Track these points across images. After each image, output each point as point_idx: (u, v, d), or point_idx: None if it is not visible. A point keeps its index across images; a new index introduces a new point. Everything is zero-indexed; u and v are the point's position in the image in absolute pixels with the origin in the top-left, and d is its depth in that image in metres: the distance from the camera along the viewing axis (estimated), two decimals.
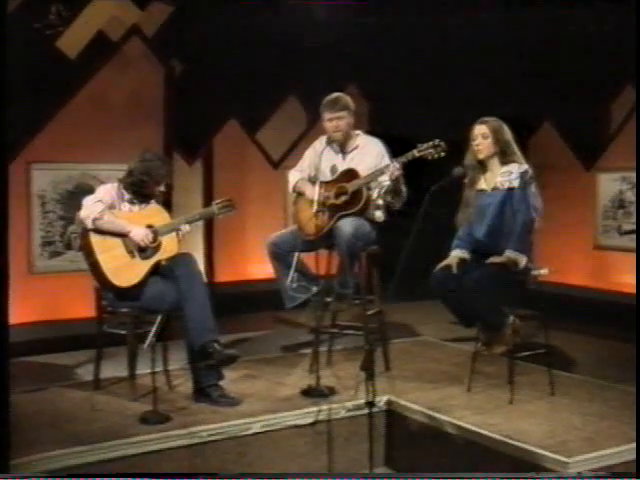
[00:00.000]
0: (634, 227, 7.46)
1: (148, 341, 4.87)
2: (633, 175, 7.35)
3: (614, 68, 7.34)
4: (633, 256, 7.03)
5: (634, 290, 6.96)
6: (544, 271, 5.29)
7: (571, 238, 7.80)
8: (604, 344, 6.75)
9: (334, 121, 5.74)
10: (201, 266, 7.58)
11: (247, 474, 4.78)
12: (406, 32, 7.55)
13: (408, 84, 7.91)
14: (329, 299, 5.75)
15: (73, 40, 6.91)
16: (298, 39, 7.65)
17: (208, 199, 7.37)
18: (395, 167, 5.46)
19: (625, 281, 7.45)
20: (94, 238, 5.12)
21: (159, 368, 5.32)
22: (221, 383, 5.23)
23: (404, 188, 5.61)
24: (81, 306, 6.28)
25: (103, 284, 5.14)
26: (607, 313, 7.21)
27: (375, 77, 7.91)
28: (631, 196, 7.60)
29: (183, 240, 5.49)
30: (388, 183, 5.54)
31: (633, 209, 7.57)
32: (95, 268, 5.10)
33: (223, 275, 7.99)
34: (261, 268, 7.10)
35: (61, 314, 6.78)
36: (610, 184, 7.77)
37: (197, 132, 7.78)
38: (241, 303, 7.60)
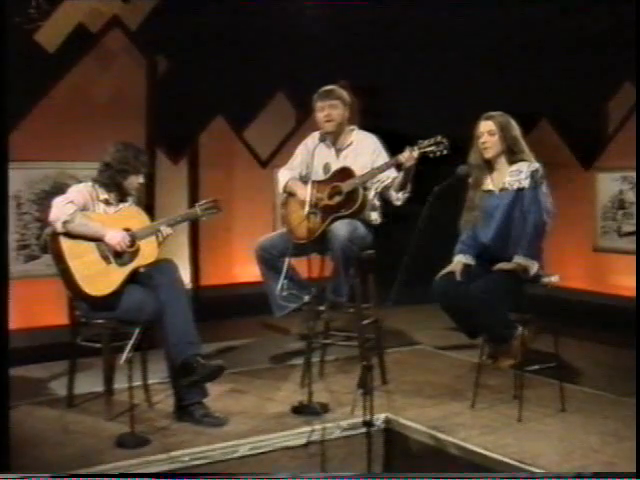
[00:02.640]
0: (634, 228, 6.86)
1: (124, 356, 4.21)
2: (634, 175, 6.78)
3: (612, 65, 6.78)
4: (633, 258, 6.48)
5: (634, 293, 6.39)
6: (555, 278, 4.67)
7: (569, 240, 7.16)
8: (605, 350, 6.15)
9: (326, 109, 5.14)
10: (186, 268, 7.14)
11: (246, 474, 4.21)
12: (401, 27, 7.04)
13: (402, 80, 7.35)
14: (321, 307, 5.10)
15: (52, 33, 6.35)
16: (287, 34, 7.10)
17: (193, 199, 6.78)
18: (413, 156, 4.81)
19: (624, 284, 6.85)
20: (65, 242, 4.47)
21: (138, 382, 4.69)
22: (205, 400, 4.58)
23: (410, 183, 4.97)
24: (59, 313, 5.58)
25: (75, 293, 4.50)
26: (606, 317, 6.62)
27: (368, 72, 7.30)
28: (632, 196, 6.99)
29: (164, 243, 4.83)
30: (397, 175, 4.90)
31: (633, 210, 6.97)
32: (66, 275, 4.46)
33: (209, 278, 7.37)
34: (248, 271, 6.49)
35: (37, 321, 6.14)
36: (610, 184, 7.15)
37: (182, 129, 7.19)
38: (227, 307, 7.04)
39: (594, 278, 7.22)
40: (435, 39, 7.11)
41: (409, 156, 4.83)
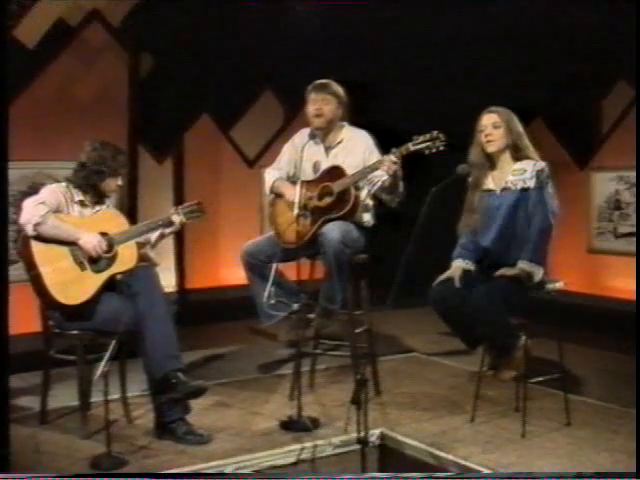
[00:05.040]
0: (632, 229, 6.49)
1: (100, 370, 3.75)
2: (630, 174, 6.40)
3: (607, 64, 6.41)
4: (630, 260, 6.12)
5: (630, 296, 6.03)
6: (560, 284, 4.26)
7: (563, 241, 6.60)
8: (603, 356, 5.74)
9: (318, 103, 4.69)
10: (171, 271, 6.70)
11: (246, 474, 3.84)
12: (395, 23, 6.57)
13: (396, 77, 6.92)
14: (311, 315, 4.65)
15: (31, 29, 5.90)
16: (274, 30, 6.65)
17: (178, 200, 6.39)
18: (392, 160, 4.38)
19: (621, 286, 6.47)
20: (36, 247, 4.02)
21: (117, 394, 4.24)
22: (188, 415, 4.13)
23: (402, 184, 4.53)
24: (38, 319, 5.16)
25: (47, 301, 4.05)
26: (603, 321, 6.23)
27: (360, 69, 6.83)
28: (628, 196, 6.60)
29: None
30: (386, 178, 4.45)
31: (630, 210, 6.59)
32: (37, 283, 4.01)
33: (194, 281, 6.96)
34: (235, 273, 6.03)
35: (16, 328, 5.61)
36: (605, 184, 6.75)
37: (167, 128, 6.77)
38: (214, 311, 6.64)
39: (589, 280, 6.83)
40: (431, 36, 6.64)
41: (389, 164, 4.40)
